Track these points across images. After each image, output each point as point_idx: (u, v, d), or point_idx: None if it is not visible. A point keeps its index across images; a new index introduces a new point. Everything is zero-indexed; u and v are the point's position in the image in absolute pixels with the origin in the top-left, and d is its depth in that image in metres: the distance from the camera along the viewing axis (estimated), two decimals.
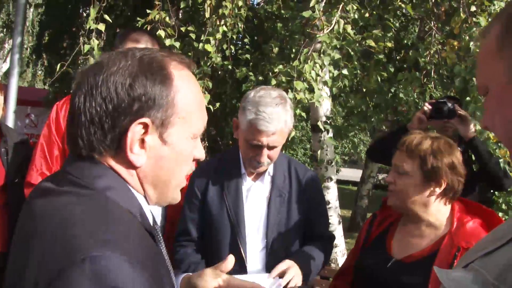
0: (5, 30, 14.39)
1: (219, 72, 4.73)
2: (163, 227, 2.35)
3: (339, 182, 7.36)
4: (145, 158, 0.93)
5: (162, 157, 0.95)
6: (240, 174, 2.12)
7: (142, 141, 0.92)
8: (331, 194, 5.61)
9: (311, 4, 3.68)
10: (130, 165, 0.94)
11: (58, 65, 3.79)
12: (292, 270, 1.93)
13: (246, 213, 2.07)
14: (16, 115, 4.44)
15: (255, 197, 2.11)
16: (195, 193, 2.13)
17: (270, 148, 1.99)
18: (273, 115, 1.92)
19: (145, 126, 0.91)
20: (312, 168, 5.69)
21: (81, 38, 3.78)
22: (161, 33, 3.94)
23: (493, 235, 0.93)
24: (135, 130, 0.90)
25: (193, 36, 4.17)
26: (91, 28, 3.75)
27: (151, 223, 1.00)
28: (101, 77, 0.91)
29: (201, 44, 4.02)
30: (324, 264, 2.21)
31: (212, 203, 2.10)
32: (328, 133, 5.12)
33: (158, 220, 2.33)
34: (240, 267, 1.98)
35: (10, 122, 4.09)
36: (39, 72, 16.20)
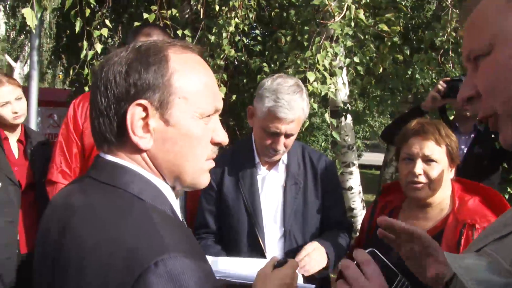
0: (24, 33, 14.68)
1: (235, 63, 4.74)
2: (185, 219, 2.39)
3: (361, 166, 7.32)
4: (152, 141, 0.95)
5: (168, 139, 0.96)
6: (254, 163, 2.14)
7: (147, 125, 0.94)
8: (354, 179, 5.59)
9: None
10: (138, 150, 0.96)
11: (71, 69, 3.87)
12: (315, 252, 1.94)
13: (263, 202, 2.09)
14: (38, 116, 4.54)
15: (271, 186, 2.13)
16: (211, 185, 2.16)
17: (287, 136, 2.00)
18: (292, 102, 1.93)
19: (144, 108, 0.93)
20: (333, 154, 5.67)
21: (84, 43, 3.84)
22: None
23: (505, 219, 0.90)
24: (134, 112, 0.93)
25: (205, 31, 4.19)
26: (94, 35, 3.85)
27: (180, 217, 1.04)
28: (104, 70, 0.95)
29: (213, 37, 4.04)
30: (345, 252, 2.19)
31: (228, 193, 2.12)
32: (345, 118, 5.09)
33: (178, 213, 2.37)
34: (259, 256, 2.01)
35: (33, 123, 4.18)
36: (59, 73, 16.48)
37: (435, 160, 1.84)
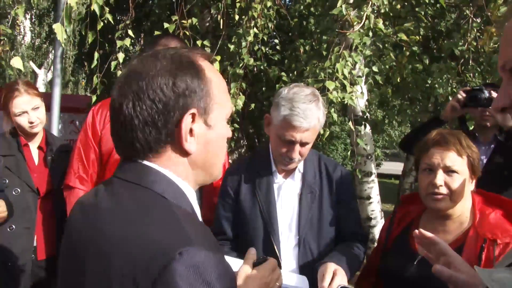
0: (48, 41, 15.02)
1: (255, 72, 4.78)
2: None
3: (381, 176, 7.25)
4: (195, 145, 1.04)
5: (210, 140, 1.07)
6: (271, 171, 2.15)
7: (191, 130, 1.03)
8: (373, 189, 5.55)
9: (338, 4, 3.66)
10: (184, 154, 1.05)
11: (94, 77, 3.95)
12: (339, 272, 1.85)
13: (278, 210, 2.10)
14: (60, 122, 4.61)
15: (287, 194, 2.14)
16: (228, 192, 2.19)
17: (302, 144, 2.01)
18: (307, 111, 1.95)
19: (193, 116, 1.02)
20: (351, 163, 5.65)
21: (95, 54, 3.93)
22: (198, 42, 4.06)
23: None
24: (186, 121, 1.01)
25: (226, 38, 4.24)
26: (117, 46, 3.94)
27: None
28: (144, 82, 1.00)
29: (232, 46, 4.08)
30: (360, 264, 2.17)
31: (244, 201, 2.14)
32: (365, 127, 5.08)
33: (198, 213, 2.39)
34: None
35: (55, 129, 4.24)
36: (82, 80, 16.77)
37: (456, 171, 1.81)
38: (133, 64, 1.06)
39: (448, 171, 1.82)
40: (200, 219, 1.09)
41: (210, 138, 1.06)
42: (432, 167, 1.85)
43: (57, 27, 3.36)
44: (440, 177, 1.82)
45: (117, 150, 1.08)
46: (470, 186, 1.87)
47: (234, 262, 1.91)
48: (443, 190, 1.82)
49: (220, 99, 1.08)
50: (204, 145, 1.06)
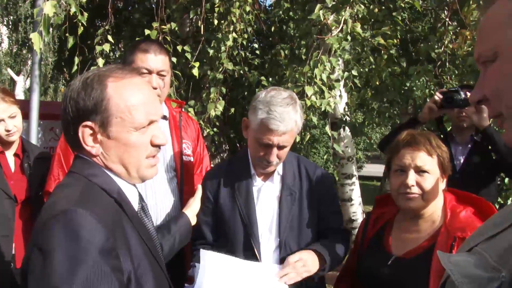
0: (26, 47, 14.82)
1: (236, 76, 4.79)
2: None
3: (363, 178, 7.30)
4: (101, 149, 1.28)
5: (112, 147, 1.28)
6: (250, 175, 2.16)
7: (96, 138, 1.26)
8: (354, 191, 5.59)
9: (315, 11, 3.69)
10: (92, 154, 1.28)
11: (64, 80, 3.94)
12: (303, 257, 1.96)
13: (258, 214, 2.10)
14: (40, 130, 4.55)
15: (266, 197, 2.14)
16: (208, 197, 2.18)
17: (280, 147, 2.02)
18: (284, 114, 1.96)
19: (91, 127, 1.25)
20: (332, 166, 5.69)
21: (75, 58, 3.92)
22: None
23: (494, 220, 0.94)
24: (83, 131, 1.25)
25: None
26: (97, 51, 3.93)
27: (137, 203, 1.38)
28: (67, 97, 1.27)
29: (212, 51, 4.08)
30: (342, 260, 2.19)
31: (224, 205, 2.14)
32: (344, 130, 5.13)
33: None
34: None
35: (34, 136, 4.20)
36: (61, 86, 16.59)
37: (427, 170, 1.83)
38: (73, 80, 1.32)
39: (419, 171, 1.84)
40: (136, 204, 1.36)
41: (112, 146, 1.27)
42: (403, 167, 1.87)
43: (34, 36, 3.34)
44: (412, 177, 1.84)
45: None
46: (441, 185, 1.89)
47: (235, 262, 1.92)
48: (415, 190, 1.83)
49: (123, 114, 1.26)
50: (109, 150, 1.28)
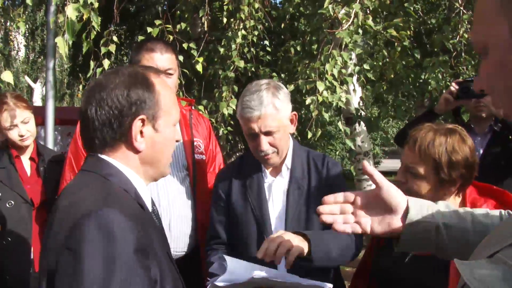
0: (42, 55, 15.05)
1: (249, 75, 4.78)
2: (195, 230, 2.40)
3: (380, 173, 7.18)
4: (144, 144, 1.29)
5: (156, 142, 1.32)
6: (260, 171, 2.14)
7: (141, 132, 1.28)
8: (371, 186, 5.52)
9: (325, 5, 3.65)
10: (135, 151, 1.29)
11: (80, 86, 3.98)
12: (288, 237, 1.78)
13: (270, 209, 2.08)
14: (58, 135, 4.59)
15: (277, 192, 2.12)
16: (220, 196, 2.17)
17: (266, 134, 1.99)
18: (256, 100, 1.95)
19: (142, 121, 1.27)
20: (349, 162, 5.65)
21: (91, 62, 3.95)
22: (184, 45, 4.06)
23: None
24: (136, 125, 1.26)
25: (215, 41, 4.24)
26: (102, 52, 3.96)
27: (150, 205, 1.37)
28: (105, 93, 1.26)
29: (222, 50, 4.07)
30: (352, 257, 2.06)
31: (236, 203, 2.13)
32: (359, 125, 5.06)
33: (189, 224, 2.39)
34: (270, 263, 1.97)
35: (50, 142, 4.23)
36: (77, 91, 16.80)
37: (419, 174, 1.73)
38: (98, 78, 1.32)
39: (410, 171, 1.75)
40: (150, 206, 1.35)
41: (157, 140, 1.31)
42: (403, 164, 1.81)
43: (59, 41, 3.38)
44: (403, 174, 1.78)
45: (84, 146, 1.35)
46: (445, 193, 1.78)
47: (242, 265, 1.88)
48: (404, 187, 1.71)
49: (168, 109, 1.32)
50: (152, 145, 1.31)
